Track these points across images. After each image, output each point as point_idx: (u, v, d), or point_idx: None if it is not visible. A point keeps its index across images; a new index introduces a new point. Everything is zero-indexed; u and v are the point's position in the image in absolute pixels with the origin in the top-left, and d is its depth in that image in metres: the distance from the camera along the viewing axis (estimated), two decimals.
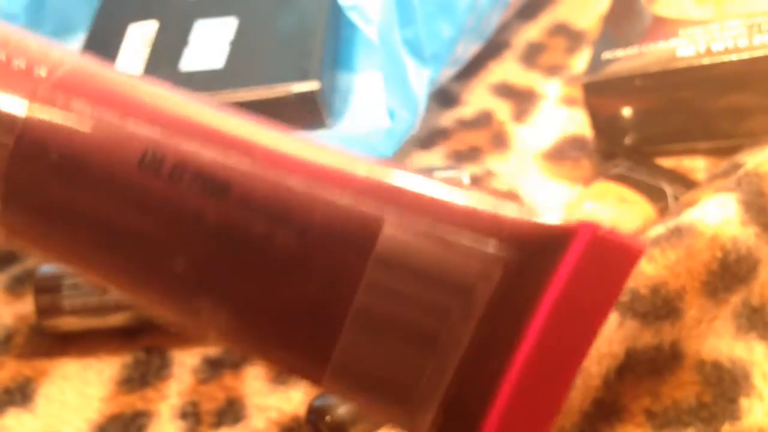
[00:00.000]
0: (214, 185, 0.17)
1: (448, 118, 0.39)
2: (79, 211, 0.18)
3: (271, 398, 0.29)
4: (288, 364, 0.19)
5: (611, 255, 0.16)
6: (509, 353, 0.17)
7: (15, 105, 0.18)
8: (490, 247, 0.17)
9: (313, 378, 0.18)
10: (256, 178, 0.17)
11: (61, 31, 0.40)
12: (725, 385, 0.25)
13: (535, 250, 0.17)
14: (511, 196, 0.33)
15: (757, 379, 0.25)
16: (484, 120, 0.38)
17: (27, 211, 0.19)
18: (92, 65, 0.19)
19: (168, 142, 0.18)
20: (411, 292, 0.17)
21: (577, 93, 0.37)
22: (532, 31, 0.43)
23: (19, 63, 0.19)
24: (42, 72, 0.19)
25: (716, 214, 0.26)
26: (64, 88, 0.18)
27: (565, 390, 0.17)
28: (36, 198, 0.18)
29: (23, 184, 0.18)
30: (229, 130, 0.18)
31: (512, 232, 0.17)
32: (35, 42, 0.20)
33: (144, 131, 0.18)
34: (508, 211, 0.17)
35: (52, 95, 0.18)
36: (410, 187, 0.17)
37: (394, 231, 0.17)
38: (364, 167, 0.18)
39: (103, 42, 0.38)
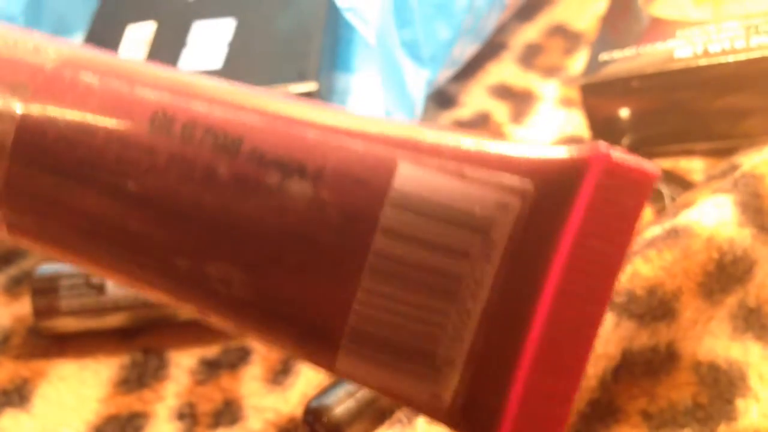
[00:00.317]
0: (225, 140, 0.17)
1: (445, 119, 0.39)
2: (86, 179, 0.18)
3: (268, 399, 0.29)
4: (300, 339, 0.18)
5: (627, 181, 0.16)
6: (533, 298, 0.16)
7: (24, 79, 0.19)
8: (506, 179, 0.16)
9: (328, 351, 0.18)
10: (267, 131, 0.17)
11: (60, 31, 0.40)
12: (721, 386, 0.25)
13: (550, 181, 0.16)
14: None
15: (753, 380, 0.25)
16: (481, 121, 0.38)
17: (30, 187, 0.18)
18: (97, 49, 0.20)
19: (178, 103, 0.18)
20: (429, 233, 0.17)
21: (575, 94, 0.37)
22: (530, 33, 0.43)
23: (27, 45, 0.19)
24: (50, 52, 0.19)
25: (713, 216, 0.26)
26: (71, 64, 0.19)
27: (594, 334, 0.16)
28: (44, 169, 0.18)
29: (29, 157, 0.18)
30: (239, 94, 0.18)
31: (526, 165, 0.17)
32: (41, 34, 0.20)
33: (153, 94, 0.18)
34: (520, 146, 0.17)
35: (61, 69, 0.19)
36: (423, 131, 0.17)
37: (409, 170, 0.17)
38: (377, 118, 0.18)
39: (102, 43, 0.38)
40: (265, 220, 0.17)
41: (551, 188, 0.16)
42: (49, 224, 0.19)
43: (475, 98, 0.40)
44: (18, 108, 0.18)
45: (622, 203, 0.16)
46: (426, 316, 0.17)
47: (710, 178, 0.31)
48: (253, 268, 0.17)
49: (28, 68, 0.19)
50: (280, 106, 0.18)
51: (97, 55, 0.20)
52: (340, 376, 0.18)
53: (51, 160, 0.18)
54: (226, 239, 0.18)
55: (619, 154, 0.16)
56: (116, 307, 0.30)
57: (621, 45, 0.34)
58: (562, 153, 0.17)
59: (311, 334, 0.18)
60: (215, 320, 0.18)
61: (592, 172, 0.16)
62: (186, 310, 0.19)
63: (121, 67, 0.19)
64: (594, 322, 0.17)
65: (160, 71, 0.19)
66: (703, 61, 0.32)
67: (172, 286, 0.18)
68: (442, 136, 0.17)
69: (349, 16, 0.31)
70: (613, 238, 0.16)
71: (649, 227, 0.27)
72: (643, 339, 0.25)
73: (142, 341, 0.31)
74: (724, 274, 0.26)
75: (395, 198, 0.17)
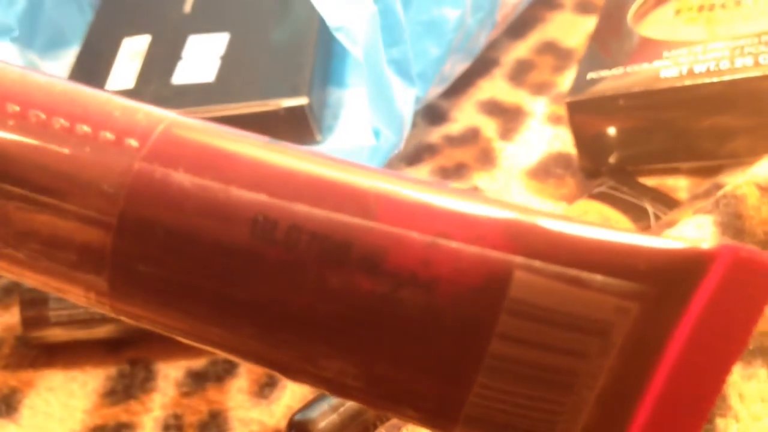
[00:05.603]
0: (332, 247, 0.17)
1: (435, 135, 0.39)
2: (193, 288, 0.17)
3: (254, 412, 0.29)
4: (417, 418, 0.18)
5: (752, 277, 0.16)
6: (647, 379, 0.16)
7: (112, 182, 0.17)
8: (626, 283, 0.16)
9: (444, 430, 0.18)
10: (374, 237, 0.17)
11: (55, 43, 0.41)
12: None
13: (673, 278, 0.16)
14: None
15: (734, 400, 0.26)
16: (471, 137, 0.39)
17: (136, 291, 0.18)
18: (181, 126, 0.18)
19: (277, 206, 0.17)
20: (547, 336, 0.16)
21: (563, 111, 0.38)
22: (521, 50, 0.43)
23: (107, 135, 0.18)
24: (133, 142, 0.18)
25: (692, 236, 0.26)
26: (159, 158, 0.17)
27: (707, 407, 0.17)
28: (145, 278, 0.17)
29: (130, 263, 0.17)
30: (337, 181, 0.17)
31: (648, 265, 0.16)
32: (117, 105, 0.19)
33: (250, 197, 0.17)
34: (642, 241, 0.16)
35: (149, 168, 0.17)
36: (537, 228, 0.17)
37: (524, 278, 0.16)
38: (485, 210, 0.17)
39: (97, 55, 0.38)
40: (378, 323, 0.17)
41: (673, 286, 0.16)
42: (159, 322, 0.18)
43: (466, 114, 0.40)
44: (111, 217, 0.17)
45: (742, 301, 0.16)
46: (542, 406, 0.17)
47: (695, 197, 0.32)
48: (367, 366, 0.17)
49: (115, 166, 0.17)
50: (382, 192, 0.17)
51: (183, 138, 0.18)
52: None
53: (154, 272, 0.17)
54: (337, 340, 0.17)
55: (745, 250, 0.16)
56: (104, 318, 0.31)
57: (609, 64, 0.35)
58: (684, 246, 0.16)
59: (426, 418, 0.18)
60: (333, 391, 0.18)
61: (715, 269, 0.16)
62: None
63: (212, 158, 0.18)
64: (705, 402, 0.17)
65: (250, 157, 0.18)
66: (688, 82, 0.32)
67: (285, 371, 0.18)
68: (556, 232, 0.17)
69: (338, 35, 0.31)
70: (731, 330, 0.16)
71: None
72: None
73: (129, 352, 0.31)
74: None
75: (511, 306, 0.16)
